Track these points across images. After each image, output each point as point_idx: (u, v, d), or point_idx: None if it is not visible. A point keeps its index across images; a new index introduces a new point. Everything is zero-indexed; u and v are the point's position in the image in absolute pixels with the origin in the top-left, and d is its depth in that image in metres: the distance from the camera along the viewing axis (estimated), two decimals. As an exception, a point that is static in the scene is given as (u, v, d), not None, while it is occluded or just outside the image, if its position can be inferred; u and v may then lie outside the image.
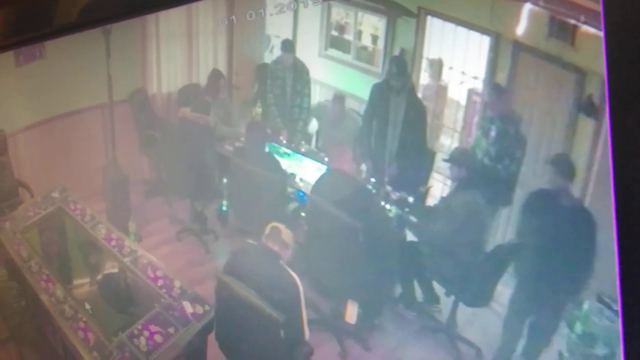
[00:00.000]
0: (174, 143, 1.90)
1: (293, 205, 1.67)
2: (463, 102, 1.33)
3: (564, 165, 1.19)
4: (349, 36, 1.52)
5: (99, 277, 2.15)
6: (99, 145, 2.07)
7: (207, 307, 1.82)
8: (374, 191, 1.49)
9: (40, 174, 2.25)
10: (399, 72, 1.36)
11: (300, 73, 1.52)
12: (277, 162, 1.65)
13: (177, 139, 1.88)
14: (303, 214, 1.65)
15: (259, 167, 1.69)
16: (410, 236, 1.46)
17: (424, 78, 1.38)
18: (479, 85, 1.31)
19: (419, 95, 1.38)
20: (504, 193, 1.28)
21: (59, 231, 2.26)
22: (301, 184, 1.65)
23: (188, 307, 1.85)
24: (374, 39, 1.47)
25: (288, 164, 1.67)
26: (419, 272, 1.45)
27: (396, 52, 1.41)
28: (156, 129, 1.92)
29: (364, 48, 1.50)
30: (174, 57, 1.78)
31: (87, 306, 2.12)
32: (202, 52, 1.67)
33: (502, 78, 1.25)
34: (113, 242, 2.06)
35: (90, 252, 2.15)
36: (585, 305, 1.19)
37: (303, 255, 1.64)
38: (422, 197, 1.43)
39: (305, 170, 1.64)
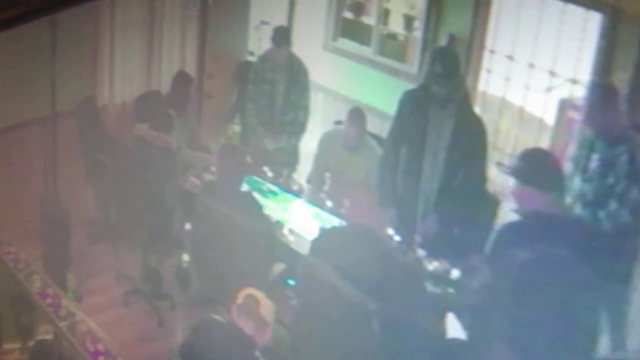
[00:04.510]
0: (126, 172, 1.41)
1: (279, 268, 1.18)
2: (551, 119, 0.85)
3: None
4: (369, 19, 1.05)
5: (31, 343, 1.68)
6: (39, 171, 1.61)
7: (156, 401, 1.32)
8: (399, 256, 0.98)
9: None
10: (445, 72, 0.86)
11: (296, 75, 1.02)
12: (257, 204, 1.16)
13: (130, 166, 1.40)
14: (292, 282, 1.15)
15: (234, 211, 1.18)
16: (453, 327, 0.95)
17: (485, 82, 0.90)
18: (578, 92, 0.82)
19: (476, 108, 0.88)
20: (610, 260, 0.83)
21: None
22: (291, 238, 1.15)
23: (132, 398, 1.36)
24: (408, 21, 0.99)
25: (273, 206, 1.18)
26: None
27: (442, 42, 0.92)
28: (106, 152, 1.44)
29: (392, 36, 1.02)
30: (131, 55, 1.32)
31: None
32: (166, 47, 1.20)
33: (621, 80, 0.75)
34: (49, 300, 1.60)
35: (23, 310, 1.68)
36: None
37: (289, 343, 1.13)
38: (473, 269, 0.91)
39: (298, 217, 1.15)
